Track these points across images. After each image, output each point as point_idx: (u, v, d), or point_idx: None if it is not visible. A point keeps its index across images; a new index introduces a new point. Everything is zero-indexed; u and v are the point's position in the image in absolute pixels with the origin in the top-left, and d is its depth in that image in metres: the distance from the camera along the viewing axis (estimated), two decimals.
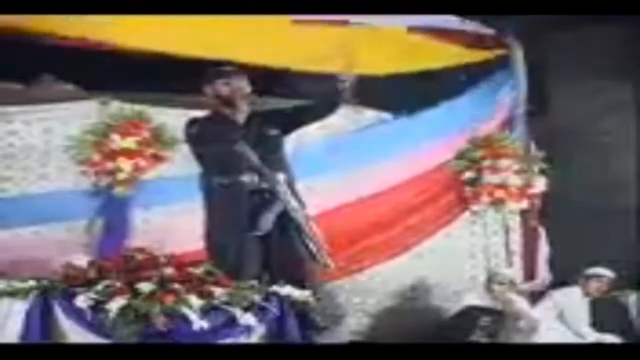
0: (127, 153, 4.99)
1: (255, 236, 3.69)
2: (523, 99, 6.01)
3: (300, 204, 3.76)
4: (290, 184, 3.77)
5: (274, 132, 3.86)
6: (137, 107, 5.15)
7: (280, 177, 3.70)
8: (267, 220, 3.67)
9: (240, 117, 3.85)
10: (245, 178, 3.70)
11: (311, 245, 3.70)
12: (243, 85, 3.85)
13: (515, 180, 5.74)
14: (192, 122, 3.89)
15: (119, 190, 5.03)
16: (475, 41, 5.90)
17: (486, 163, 5.72)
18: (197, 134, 3.83)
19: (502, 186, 5.70)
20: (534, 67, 6.05)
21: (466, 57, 5.90)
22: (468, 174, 5.77)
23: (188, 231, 4.94)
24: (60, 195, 5.08)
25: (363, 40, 5.16)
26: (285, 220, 3.71)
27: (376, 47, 5.38)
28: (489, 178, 5.70)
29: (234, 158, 3.66)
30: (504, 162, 5.72)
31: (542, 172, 5.88)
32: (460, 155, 5.83)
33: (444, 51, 5.82)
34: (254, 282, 3.35)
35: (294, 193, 3.77)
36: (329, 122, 5.05)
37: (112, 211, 5.06)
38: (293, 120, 4.00)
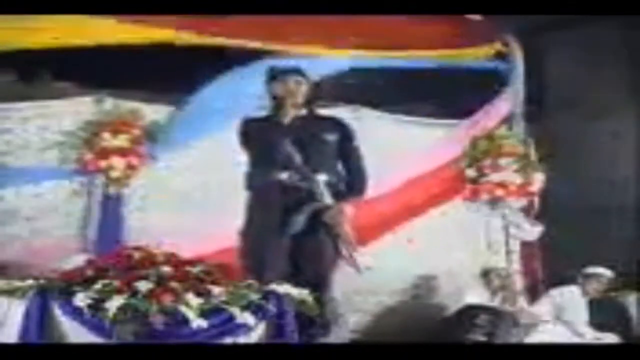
0: (120, 151, 4.99)
1: (285, 235, 3.67)
2: (522, 97, 6.00)
3: (338, 206, 3.71)
4: (333, 186, 3.74)
5: (323, 134, 3.82)
6: (132, 105, 5.14)
7: (320, 178, 3.69)
8: (299, 221, 3.66)
9: (287, 118, 3.83)
10: (284, 176, 3.69)
11: (343, 249, 3.69)
12: (299, 87, 3.82)
13: (514, 179, 5.73)
14: (244, 121, 3.92)
15: (113, 188, 5.02)
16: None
17: (487, 161, 5.72)
18: (243, 132, 3.87)
19: (502, 184, 5.70)
20: (533, 66, 6.04)
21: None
22: (470, 172, 5.77)
23: (184, 230, 4.96)
24: (56, 193, 5.07)
25: None
26: (318, 221, 3.69)
27: None
28: (490, 176, 5.69)
29: (277, 157, 3.68)
30: (504, 160, 5.72)
31: (541, 170, 5.87)
32: (462, 154, 5.83)
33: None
34: (252, 281, 3.33)
35: (337, 195, 3.73)
36: None
37: (107, 209, 5.06)
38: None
